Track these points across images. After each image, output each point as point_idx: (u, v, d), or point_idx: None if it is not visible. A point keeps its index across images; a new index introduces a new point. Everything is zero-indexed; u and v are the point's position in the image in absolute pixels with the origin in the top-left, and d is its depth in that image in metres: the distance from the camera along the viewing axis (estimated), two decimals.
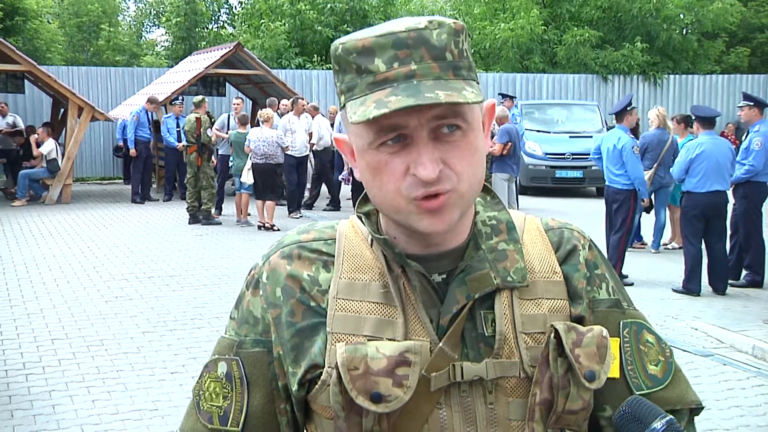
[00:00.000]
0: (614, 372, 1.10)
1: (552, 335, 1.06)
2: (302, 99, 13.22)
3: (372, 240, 1.12)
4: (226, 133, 12.73)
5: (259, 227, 11.34)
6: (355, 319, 1.07)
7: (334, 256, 1.12)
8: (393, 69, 0.98)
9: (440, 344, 1.05)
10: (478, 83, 1.03)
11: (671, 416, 1.00)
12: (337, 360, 1.02)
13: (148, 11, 31.24)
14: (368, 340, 1.05)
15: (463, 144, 1.01)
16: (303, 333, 1.09)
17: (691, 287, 7.62)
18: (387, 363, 1.01)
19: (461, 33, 1.01)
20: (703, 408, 1.17)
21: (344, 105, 1.03)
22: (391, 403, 1.01)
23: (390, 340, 1.05)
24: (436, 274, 1.09)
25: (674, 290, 7.73)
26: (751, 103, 8.12)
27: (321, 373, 1.07)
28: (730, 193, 7.85)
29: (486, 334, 1.07)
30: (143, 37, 31.89)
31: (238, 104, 13.08)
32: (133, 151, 14.12)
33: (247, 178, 11.25)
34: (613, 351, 1.10)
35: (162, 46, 29.72)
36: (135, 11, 32.87)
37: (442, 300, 1.08)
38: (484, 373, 1.05)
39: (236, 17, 26.02)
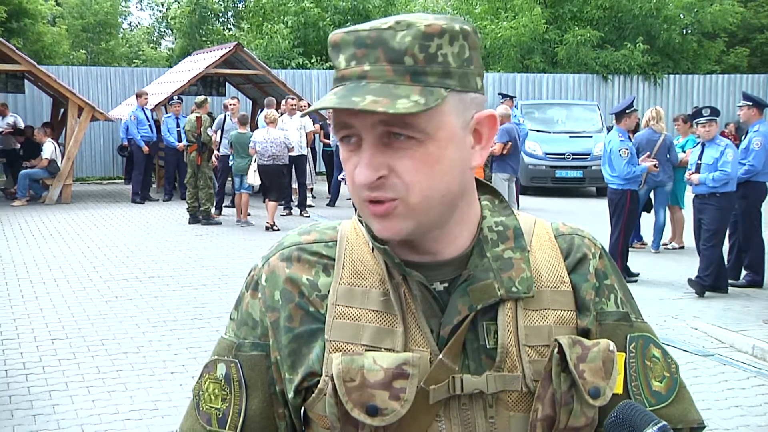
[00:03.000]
0: (618, 388, 1.07)
1: (555, 350, 1.03)
2: (292, 99, 13.23)
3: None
4: (221, 132, 12.74)
5: (267, 228, 11.33)
6: (353, 327, 1.04)
7: (334, 260, 1.09)
8: (350, 67, 0.98)
9: (440, 356, 1.02)
10: (459, 90, 0.99)
11: (664, 422, 0.97)
12: (333, 371, 1.00)
13: (159, 17, 31.11)
14: (367, 349, 1.02)
15: (418, 154, 0.97)
16: (301, 339, 1.07)
17: (707, 285, 7.61)
18: (384, 375, 0.99)
19: (437, 36, 0.96)
20: (704, 427, 1.14)
21: None
22: (387, 416, 0.99)
23: (389, 350, 1.02)
24: (438, 282, 1.06)
25: (690, 281, 7.65)
26: (750, 103, 8.13)
27: (318, 381, 1.04)
28: None
29: (488, 346, 1.04)
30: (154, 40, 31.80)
31: (234, 104, 13.08)
32: (145, 148, 14.22)
33: (254, 179, 11.22)
34: (618, 366, 1.07)
35: (167, 47, 29.65)
36: (148, 22, 32.77)
37: (443, 309, 1.04)
38: (485, 386, 1.02)
39: (243, 19, 25.98)
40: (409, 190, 0.98)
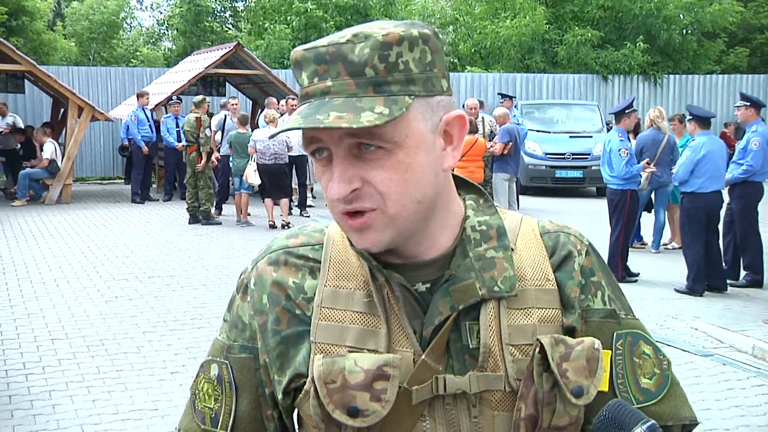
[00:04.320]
0: (604, 385, 1.07)
1: (537, 350, 1.03)
2: (292, 99, 13.23)
3: None
4: (222, 132, 12.74)
5: (271, 227, 11.31)
6: (338, 329, 1.05)
7: (320, 263, 1.10)
8: (313, 84, 0.98)
9: (423, 356, 1.03)
10: (426, 96, 0.99)
11: (654, 421, 0.97)
12: (314, 373, 1.01)
13: (160, 19, 31.02)
14: (350, 350, 1.04)
15: (389, 163, 0.98)
16: (288, 341, 1.08)
17: (697, 288, 7.62)
18: (365, 376, 1.00)
19: (395, 44, 0.96)
20: (698, 424, 1.13)
21: None
22: (368, 417, 1.00)
23: (372, 351, 1.03)
24: (420, 283, 1.07)
25: (677, 290, 7.73)
26: (748, 103, 8.13)
27: (305, 382, 1.05)
28: (725, 192, 7.89)
29: (471, 346, 1.04)
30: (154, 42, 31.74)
31: (236, 104, 13.09)
32: (145, 149, 14.22)
33: (255, 179, 11.19)
34: (603, 364, 1.06)
35: (166, 48, 29.60)
36: (149, 23, 32.73)
37: (426, 310, 1.05)
38: (467, 386, 1.03)
39: (241, 19, 25.94)
40: (385, 199, 0.99)
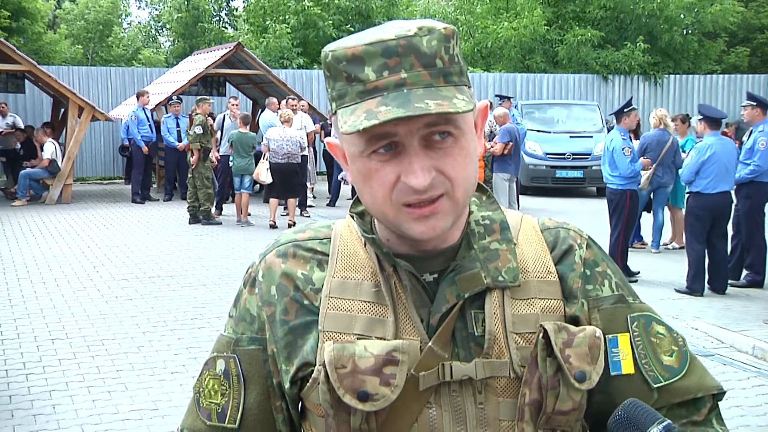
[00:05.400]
0: (629, 368, 1.10)
1: (541, 335, 1.06)
2: (292, 99, 13.22)
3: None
4: (221, 132, 12.70)
5: (271, 227, 11.28)
6: (346, 318, 1.08)
7: (328, 255, 1.13)
8: (383, 78, 0.98)
9: (429, 343, 1.05)
10: (469, 87, 1.04)
11: (669, 421, 0.99)
12: (325, 358, 1.03)
13: (155, 18, 30.96)
14: (358, 338, 1.06)
15: (456, 150, 1.01)
16: (296, 331, 1.10)
17: (695, 288, 7.62)
18: (374, 362, 1.02)
19: (452, 38, 1.01)
20: (725, 392, 1.16)
21: (335, 112, 1.03)
22: (378, 401, 1.02)
23: (380, 339, 1.05)
24: (428, 273, 1.10)
25: (677, 290, 7.73)
26: (755, 103, 8.12)
27: (313, 371, 1.07)
28: (733, 192, 7.88)
29: (476, 333, 1.07)
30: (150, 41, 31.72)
31: (235, 104, 13.06)
32: (145, 149, 14.19)
33: (267, 177, 11.17)
34: (624, 347, 1.10)
35: (164, 47, 29.58)
36: (145, 20, 32.73)
37: (433, 299, 1.08)
38: (473, 372, 1.05)
39: (238, 18, 25.92)
40: (454, 184, 1.02)
